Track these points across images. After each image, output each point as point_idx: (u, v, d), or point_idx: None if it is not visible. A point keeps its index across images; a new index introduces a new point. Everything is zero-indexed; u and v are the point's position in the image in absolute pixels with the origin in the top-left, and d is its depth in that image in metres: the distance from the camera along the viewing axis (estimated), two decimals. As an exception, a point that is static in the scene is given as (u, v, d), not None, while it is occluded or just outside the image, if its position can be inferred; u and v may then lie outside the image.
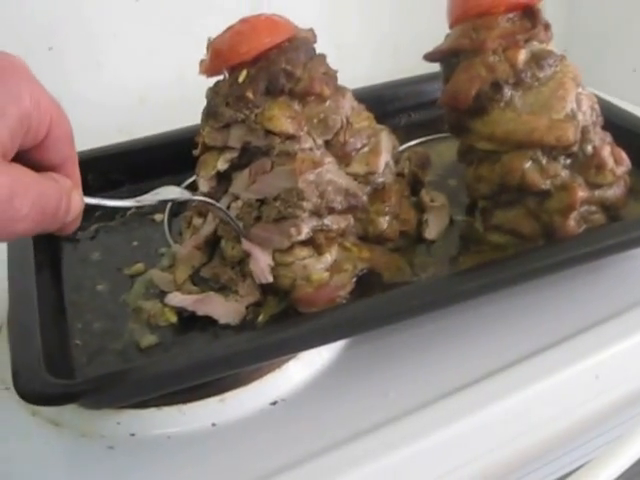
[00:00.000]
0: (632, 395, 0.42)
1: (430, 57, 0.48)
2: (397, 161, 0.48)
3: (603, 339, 0.42)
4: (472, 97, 0.45)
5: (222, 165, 0.44)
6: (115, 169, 0.55)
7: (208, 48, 0.44)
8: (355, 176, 0.44)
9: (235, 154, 0.44)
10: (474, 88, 0.44)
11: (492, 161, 0.46)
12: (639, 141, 0.51)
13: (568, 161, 0.45)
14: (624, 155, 0.46)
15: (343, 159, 0.44)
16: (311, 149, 0.42)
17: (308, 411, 0.38)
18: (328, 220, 0.43)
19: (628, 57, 0.82)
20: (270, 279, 0.42)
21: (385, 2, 0.78)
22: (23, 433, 0.38)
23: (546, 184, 0.44)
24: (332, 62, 0.46)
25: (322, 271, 0.42)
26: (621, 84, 0.77)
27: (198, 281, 0.45)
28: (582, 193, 0.44)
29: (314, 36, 0.45)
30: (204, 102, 0.45)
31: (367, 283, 0.44)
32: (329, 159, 0.43)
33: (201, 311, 0.42)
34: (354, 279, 0.44)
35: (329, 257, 0.43)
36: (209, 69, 0.44)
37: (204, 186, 0.44)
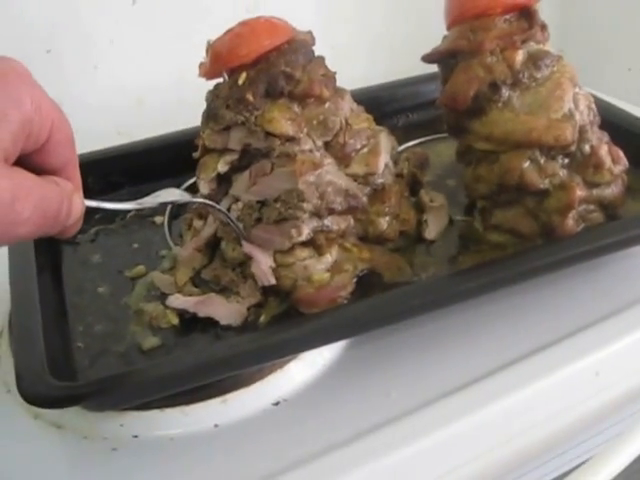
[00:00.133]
0: (632, 392, 0.43)
1: (428, 58, 0.49)
2: (396, 162, 0.49)
3: (603, 336, 0.42)
4: (470, 98, 0.45)
5: (222, 167, 0.44)
6: (115, 171, 0.55)
7: (208, 51, 0.44)
8: (355, 177, 0.45)
9: (235, 156, 0.44)
10: (472, 89, 0.45)
11: (491, 161, 0.46)
12: (636, 140, 0.51)
13: (566, 160, 0.45)
14: (621, 154, 0.46)
15: (343, 160, 0.44)
16: (311, 150, 0.43)
17: (310, 411, 0.39)
18: (328, 221, 0.43)
19: (623, 57, 0.82)
20: (273, 281, 0.42)
21: (380, 3, 0.78)
22: (26, 436, 0.38)
23: (544, 183, 0.44)
24: (328, 63, 0.46)
25: (323, 272, 0.43)
26: (617, 84, 0.77)
27: (199, 283, 0.45)
28: (580, 192, 0.44)
29: (313, 38, 0.46)
30: (202, 105, 0.45)
31: (368, 283, 0.44)
32: (329, 160, 0.43)
33: (202, 313, 0.42)
34: (355, 279, 0.44)
35: (330, 258, 0.43)
36: (209, 72, 0.44)
37: (204, 188, 0.45)
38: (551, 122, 0.44)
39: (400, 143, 0.52)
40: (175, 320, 0.42)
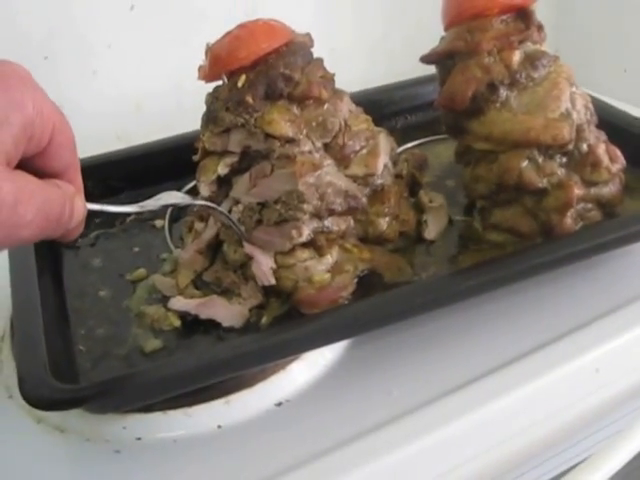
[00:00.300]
0: (632, 389, 0.43)
1: (426, 59, 0.49)
2: (395, 163, 0.49)
3: (603, 333, 0.42)
4: (468, 98, 0.45)
5: (222, 169, 0.44)
6: (115, 176, 0.55)
7: (207, 54, 0.44)
8: (354, 178, 0.45)
9: (235, 158, 0.44)
10: (470, 89, 0.45)
11: (489, 161, 0.46)
12: (633, 139, 0.52)
13: (564, 160, 0.45)
14: (619, 153, 0.46)
15: (342, 161, 0.44)
16: (310, 152, 0.43)
17: (312, 411, 0.39)
18: (328, 222, 0.43)
19: (619, 57, 0.82)
20: (273, 281, 0.42)
21: (378, 6, 0.79)
22: (29, 440, 0.38)
23: (543, 182, 0.45)
24: (327, 66, 0.46)
25: (323, 272, 0.43)
26: (613, 84, 0.77)
27: (200, 285, 0.45)
28: (578, 191, 0.45)
29: (311, 40, 0.46)
30: (201, 109, 0.45)
31: (368, 283, 0.44)
32: (328, 161, 0.43)
33: (204, 314, 0.42)
34: (355, 280, 0.44)
35: (330, 258, 0.43)
36: (208, 74, 0.44)
37: (205, 191, 0.45)
38: (549, 121, 0.44)
39: (399, 144, 0.52)
40: (177, 322, 0.42)
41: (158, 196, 0.40)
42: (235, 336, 0.42)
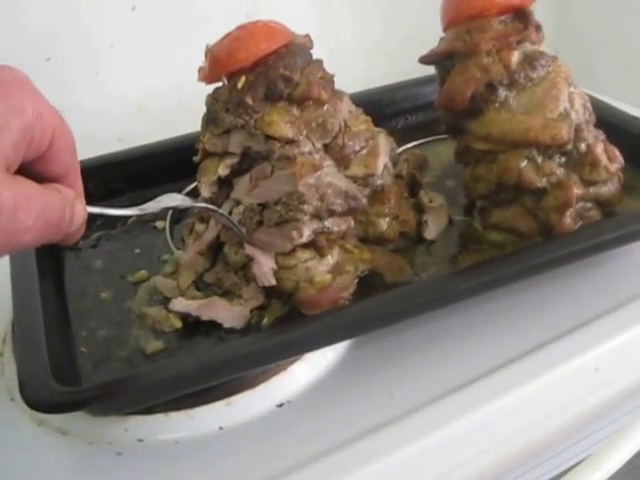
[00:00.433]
0: (632, 388, 0.43)
1: (425, 60, 0.49)
2: (395, 163, 0.49)
3: (602, 333, 0.42)
4: (468, 98, 0.45)
5: (223, 171, 0.44)
6: (116, 177, 0.55)
7: (206, 55, 0.45)
8: (354, 178, 0.45)
9: (236, 159, 0.44)
10: (469, 90, 0.45)
11: (489, 161, 0.46)
12: (632, 138, 0.52)
13: (563, 159, 0.45)
14: (617, 152, 0.46)
15: (342, 162, 0.44)
16: (310, 153, 0.43)
17: (314, 412, 0.39)
18: (329, 222, 0.43)
19: (618, 57, 0.83)
20: (273, 282, 0.42)
21: (378, 6, 0.79)
22: (31, 443, 0.38)
23: (542, 182, 0.45)
24: (326, 67, 0.46)
25: (324, 273, 0.43)
26: (612, 84, 0.77)
27: (202, 286, 0.45)
28: (577, 190, 0.45)
29: (311, 41, 0.46)
30: (202, 110, 0.46)
31: (369, 284, 0.45)
32: (328, 162, 0.44)
33: (205, 316, 0.42)
34: (356, 280, 0.44)
35: (331, 259, 0.44)
36: (208, 76, 0.44)
37: (206, 192, 0.45)
38: (547, 121, 0.44)
39: (399, 145, 0.53)
40: (178, 324, 0.43)
41: (159, 198, 0.40)
42: (236, 337, 0.42)
